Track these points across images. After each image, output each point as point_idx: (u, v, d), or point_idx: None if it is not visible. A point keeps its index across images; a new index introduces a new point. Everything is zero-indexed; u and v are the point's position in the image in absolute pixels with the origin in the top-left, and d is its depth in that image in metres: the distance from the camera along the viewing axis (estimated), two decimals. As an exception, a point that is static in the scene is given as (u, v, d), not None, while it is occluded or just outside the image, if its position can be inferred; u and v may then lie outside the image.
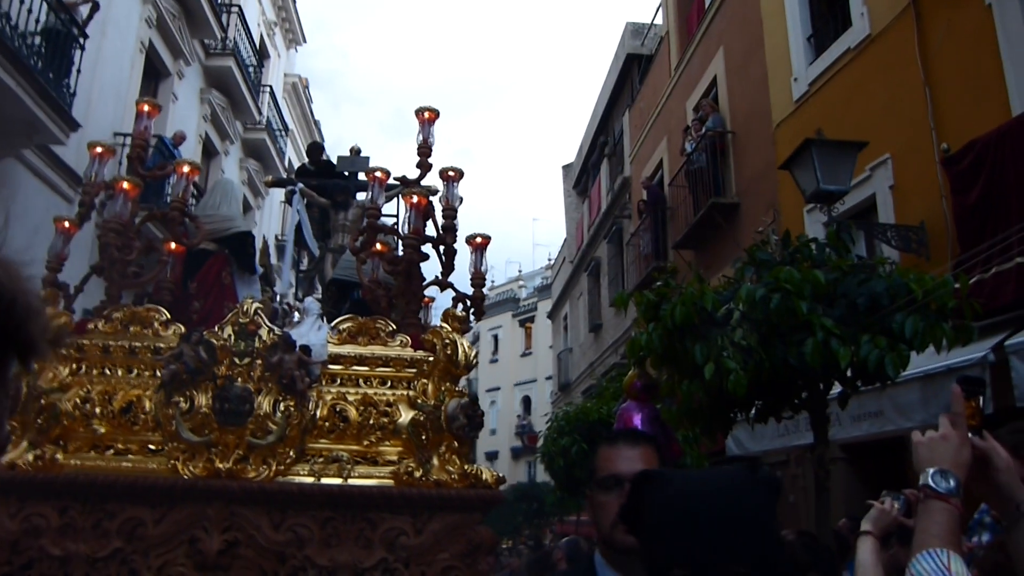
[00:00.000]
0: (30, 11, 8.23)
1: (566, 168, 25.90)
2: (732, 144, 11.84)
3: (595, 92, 21.50)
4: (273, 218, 19.15)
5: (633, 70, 18.32)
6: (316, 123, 24.09)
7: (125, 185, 3.63)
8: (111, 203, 3.69)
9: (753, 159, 11.03)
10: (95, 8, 9.69)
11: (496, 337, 39.99)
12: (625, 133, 18.46)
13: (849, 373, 4.59)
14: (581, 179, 23.67)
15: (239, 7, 15.66)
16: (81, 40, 9.36)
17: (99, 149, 3.84)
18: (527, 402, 37.98)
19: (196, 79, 14.23)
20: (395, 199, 5.67)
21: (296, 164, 19.59)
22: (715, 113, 12.19)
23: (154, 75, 12.68)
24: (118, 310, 3.67)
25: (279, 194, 18.09)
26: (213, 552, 3.23)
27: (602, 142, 20.81)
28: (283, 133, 19.04)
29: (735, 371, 4.22)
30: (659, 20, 16.66)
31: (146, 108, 4.03)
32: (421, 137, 3.86)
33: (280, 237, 16.89)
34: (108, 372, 3.62)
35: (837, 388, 4.90)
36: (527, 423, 36.04)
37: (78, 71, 9.31)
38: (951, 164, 6.71)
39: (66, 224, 3.84)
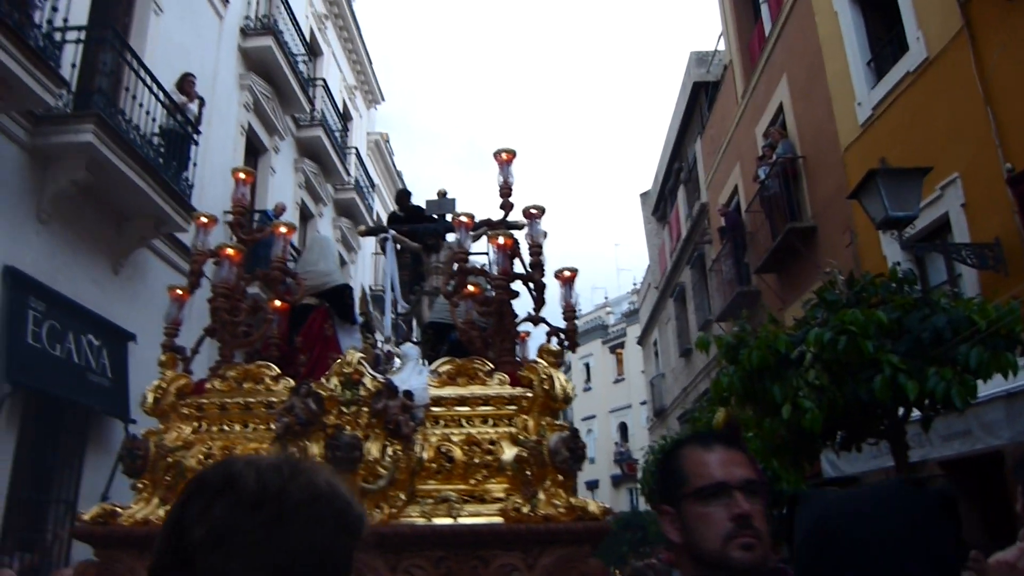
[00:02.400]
0: (148, 113, 8.93)
1: (644, 195, 25.85)
2: (804, 169, 11.73)
3: (666, 118, 21.52)
4: (366, 269, 19.77)
5: (701, 97, 18.26)
6: (399, 173, 24.77)
7: (229, 251, 3.79)
8: (219, 269, 3.85)
9: (825, 182, 10.92)
10: (202, 104, 10.34)
11: (588, 365, 39.54)
12: (699, 160, 18.37)
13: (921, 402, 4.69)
14: (659, 206, 23.55)
15: (323, 80, 16.45)
16: (194, 135, 10.03)
17: (203, 219, 4.02)
18: (623, 428, 37.47)
19: (290, 151, 14.98)
20: (482, 237, 5.74)
21: (383, 215, 20.21)
22: (784, 139, 12.12)
23: (254, 153, 13.41)
24: (232, 369, 3.82)
25: (370, 246, 18.68)
26: (333, 596, 3.30)
27: (677, 168, 20.71)
28: (370, 189, 19.67)
29: (811, 409, 4.48)
30: (722, 46, 16.58)
31: (242, 176, 4.21)
32: (501, 178, 3.91)
33: (373, 287, 17.42)
34: (226, 428, 3.76)
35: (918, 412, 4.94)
36: (625, 450, 35.56)
37: (194, 164, 9.99)
38: (1016, 183, 6.60)
39: (178, 292, 4.03)
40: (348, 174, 17.63)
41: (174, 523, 0.88)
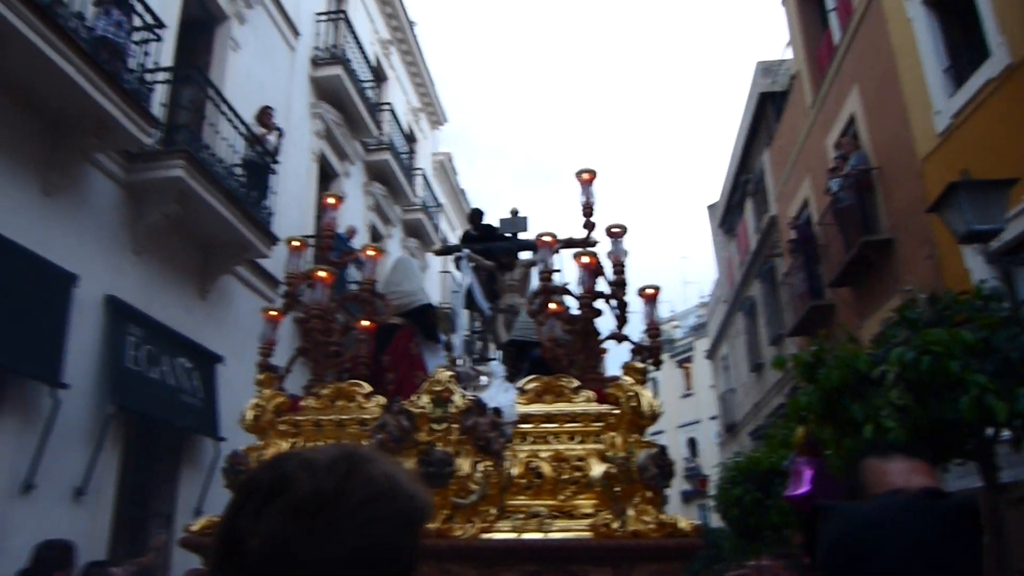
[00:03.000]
0: (230, 145, 9.33)
1: (711, 208, 25.50)
2: (878, 180, 11.39)
3: (732, 129, 21.27)
4: (434, 288, 20.09)
5: (768, 108, 17.95)
6: (462, 192, 25.02)
7: (322, 274, 3.91)
8: (311, 292, 3.98)
9: (902, 194, 10.56)
10: (281, 135, 10.73)
11: (655, 379, 39.12)
12: (767, 171, 18.02)
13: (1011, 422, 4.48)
14: (727, 218, 23.19)
15: (389, 104, 16.83)
16: (273, 165, 10.42)
17: (295, 243, 4.16)
18: (692, 444, 36.76)
19: (359, 175, 15.36)
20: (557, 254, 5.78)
21: (449, 234, 20.43)
22: (857, 151, 11.79)
23: (326, 178, 13.81)
24: (325, 387, 3.94)
25: (436, 265, 18.94)
26: (430, 609, 3.37)
27: (744, 180, 20.34)
28: (436, 209, 19.95)
29: (893, 429, 4.36)
30: (789, 55, 16.32)
31: (331, 200, 4.35)
32: (584, 198, 3.96)
33: (442, 304, 17.64)
34: (321, 444, 3.88)
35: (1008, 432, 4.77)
36: (695, 466, 34.87)
37: (273, 192, 10.37)
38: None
39: (272, 313, 4.18)
40: (415, 195, 17.93)
41: (227, 531, 0.84)
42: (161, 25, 8.36)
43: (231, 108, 9.42)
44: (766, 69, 17.80)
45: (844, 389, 4.69)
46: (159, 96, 8.53)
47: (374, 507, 0.83)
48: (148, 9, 7.99)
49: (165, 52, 8.92)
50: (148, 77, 8.08)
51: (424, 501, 0.89)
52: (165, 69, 8.79)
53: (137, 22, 7.94)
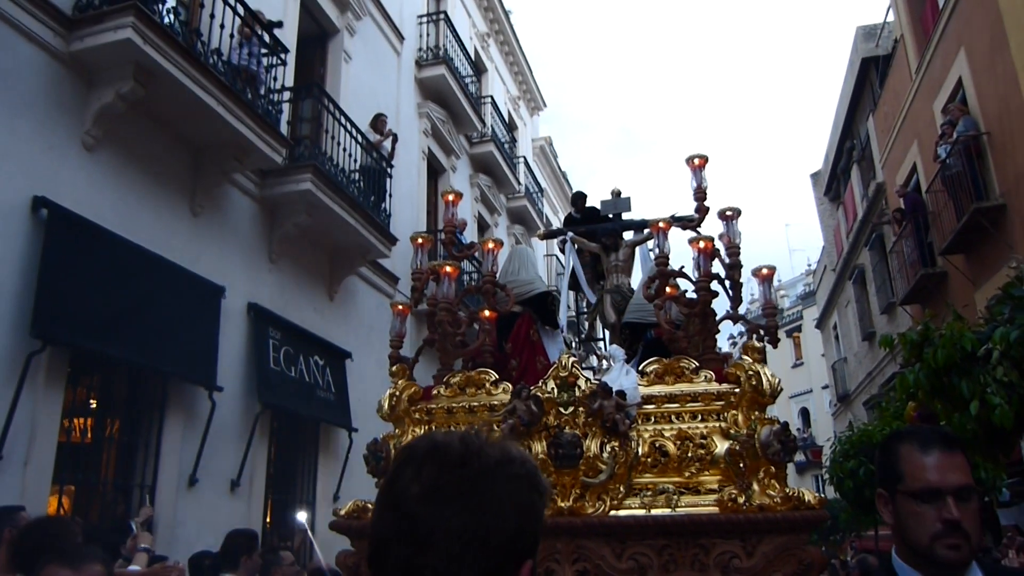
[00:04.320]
0: (348, 154, 9.71)
1: (815, 176, 24.45)
2: (989, 145, 10.72)
3: (834, 94, 20.29)
4: (540, 272, 20.05)
5: (871, 73, 17.09)
6: (563, 174, 24.80)
7: (448, 269, 4.04)
8: (438, 286, 4.11)
9: (1015, 159, 9.94)
10: (395, 140, 11.07)
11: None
12: (872, 138, 17.16)
13: None
14: (832, 185, 22.20)
15: (491, 96, 16.97)
16: (389, 169, 10.76)
17: (420, 239, 4.31)
18: (805, 414, 35.39)
19: (465, 168, 15.57)
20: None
21: (552, 218, 20.42)
22: (965, 116, 11.09)
23: (434, 175, 14.12)
24: (454, 376, 4.06)
25: (542, 250, 19.01)
26: (567, 582, 3.44)
27: (848, 147, 19.44)
28: (539, 194, 19.97)
29: (1000, 405, 4.37)
30: (891, 18, 15.52)
31: (451, 197, 4.47)
32: (695, 183, 3.94)
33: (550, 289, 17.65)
34: (453, 430, 4.00)
35: None
36: (808, 436, 33.55)
37: (389, 195, 10.71)
38: None
39: (400, 307, 4.33)
40: (518, 183, 18.00)
41: (390, 487, 0.97)
42: (286, 50, 8.78)
43: (348, 119, 9.78)
44: (868, 33, 16.94)
45: (951, 367, 4.74)
46: (285, 114, 8.97)
47: (510, 466, 0.97)
48: (272, 36, 8.41)
49: (286, 71, 9.36)
50: (275, 98, 8.50)
51: (547, 481, 1.05)
52: (289, 89, 9.21)
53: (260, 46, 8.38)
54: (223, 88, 7.38)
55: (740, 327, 4.05)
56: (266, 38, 8.38)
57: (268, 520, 8.53)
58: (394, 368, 4.11)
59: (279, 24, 8.81)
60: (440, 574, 0.90)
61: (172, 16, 7.15)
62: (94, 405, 7.09)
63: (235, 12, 7.75)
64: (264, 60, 8.34)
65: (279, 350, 8.79)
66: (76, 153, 6.78)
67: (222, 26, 7.58)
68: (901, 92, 14.56)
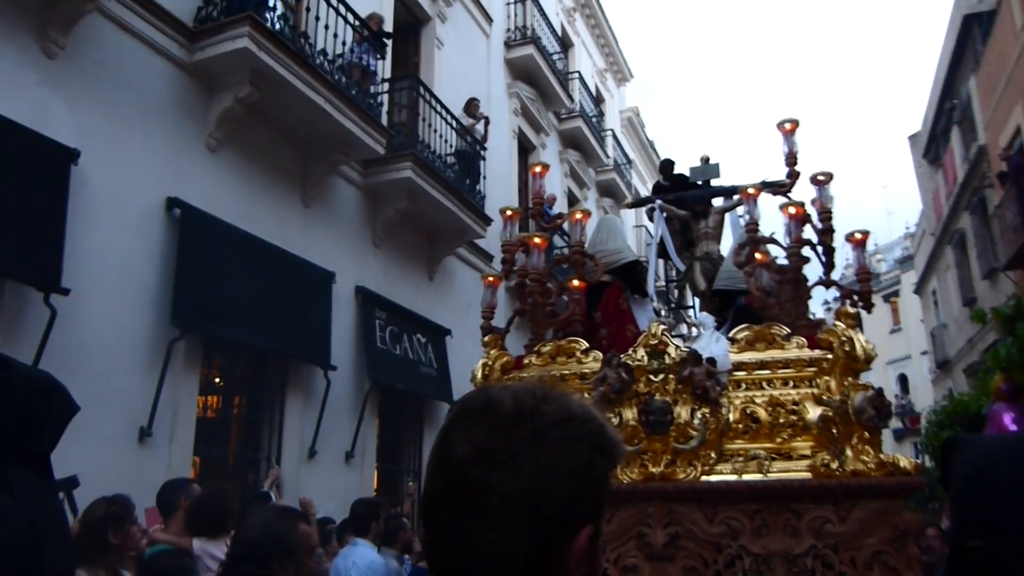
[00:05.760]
0: (443, 139, 9.83)
1: (913, 138, 23.07)
2: None
3: (934, 53, 18.99)
4: (630, 242, 19.67)
5: (974, 30, 15.92)
6: (651, 144, 24.10)
7: (537, 240, 4.01)
8: (528, 258, 4.08)
9: None
10: (488, 123, 11.10)
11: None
12: (973, 98, 16.02)
13: None
14: (931, 147, 20.86)
15: (578, 72, 16.71)
16: (482, 152, 10.82)
17: (509, 212, 4.29)
18: (903, 381, 33.51)
19: (554, 144, 15.43)
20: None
21: (641, 189, 20.03)
22: None
23: (524, 153, 14.07)
24: (545, 345, 4.03)
25: (630, 220, 18.68)
26: (659, 544, 3.38)
27: (949, 108, 18.21)
28: (627, 166, 19.60)
29: None
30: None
31: (538, 169, 4.43)
32: (786, 148, 3.77)
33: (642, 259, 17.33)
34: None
35: None
36: (907, 403, 31.66)
37: (483, 177, 10.77)
38: None
39: (491, 279, 4.32)
40: (607, 156, 17.69)
41: (441, 443, 0.90)
42: (385, 45, 8.94)
43: (442, 105, 9.86)
44: (971, -12, 15.83)
45: None
46: (384, 105, 9.13)
47: (569, 427, 0.88)
48: (370, 30, 8.57)
49: (385, 64, 9.52)
50: (375, 90, 8.68)
51: (615, 435, 0.93)
52: (387, 80, 9.38)
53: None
54: (329, 87, 7.61)
55: (834, 293, 3.86)
56: (364, 32, 8.53)
57: (376, 488, 8.80)
58: (486, 339, 4.11)
59: (390, 35, 9.03)
60: (486, 540, 0.83)
61: (282, 22, 7.37)
62: (224, 386, 7.46)
63: (339, 13, 7.93)
64: (370, 56, 8.54)
65: (384, 330, 9.01)
66: (201, 155, 7.12)
67: (326, 27, 7.77)
68: (1006, 51, 13.54)
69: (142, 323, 6.26)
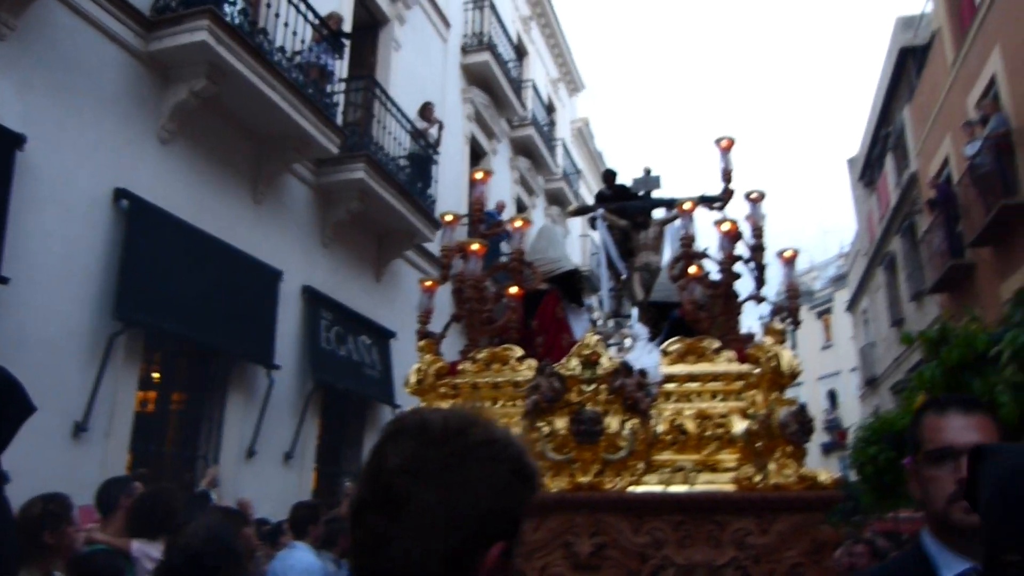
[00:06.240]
0: (396, 141, 9.72)
1: (851, 161, 23.79)
2: (1019, 142, 10.36)
3: (872, 80, 19.69)
4: (574, 251, 19.77)
5: (908, 63, 16.60)
6: (599, 155, 24.32)
7: (475, 247, 3.96)
8: (466, 263, 4.03)
9: None
10: (442, 128, 11.02)
11: (793, 332, 36.79)
12: (907, 127, 16.65)
13: None
14: (866, 171, 21.59)
15: (532, 80, 16.72)
16: (435, 156, 10.73)
17: (449, 218, 4.24)
18: (832, 396, 34.19)
19: (506, 151, 15.41)
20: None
21: (588, 200, 20.10)
22: (997, 113, 10.72)
23: (476, 159, 14.00)
24: (480, 352, 3.98)
25: (576, 229, 18.75)
26: (585, 554, 3.35)
27: (884, 135, 18.91)
28: (576, 176, 19.65)
29: (1006, 404, 4.48)
30: (930, 8, 14.94)
31: (479, 175, 4.39)
32: (723, 164, 3.79)
33: (580, 268, 17.36)
34: (478, 405, 3.93)
35: None
36: (835, 418, 32.41)
37: (435, 181, 10.68)
38: None
39: (428, 284, 4.25)
40: (557, 165, 17.74)
41: (375, 455, 0.97)
42: (343, 45, 8.82)
43: (397, 107, 9.77)
44: (907, 23, 16.46)
45: (965, 366, 4.91)
46: (340, 104, 9.00)
47: (491, 448, 0.96)
48: (329, 30, 8.44)
49: (343, 64, 9.39)
50: (330, 89, 8.55)
51: (534, 463, 1.02)
52: (343, 80, 9.25)
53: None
54: (286, 84, 7.48)
55: (767, 308, 3.89)
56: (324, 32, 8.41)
57: (314, 489, 8.64)
58: (422, 343, 4.05)
59: (348, 36, 8.92)
60: (408, 545, 0.90)
61: (241, 17, 7.23)
62: (163, 381, 7.26)
63: (299, 11, 7.81)
64: (328, 56, 8.42)
65: (330, 330, 8.88)
66: (152, 146, 6.93)
67: (286, 24, 7.64)
68: (937, 84, 14.08)
69: (84, 314, 6.06)
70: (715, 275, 3.83)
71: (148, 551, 3.63)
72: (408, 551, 0.89)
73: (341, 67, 9.14)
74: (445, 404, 3.87)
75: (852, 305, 25.55)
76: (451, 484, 0.92)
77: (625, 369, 3.45)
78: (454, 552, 0.89)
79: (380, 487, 0.93)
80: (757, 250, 3.68)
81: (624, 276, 6.02)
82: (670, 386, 3.57)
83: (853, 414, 26.47)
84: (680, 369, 3.59)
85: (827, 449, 32.42)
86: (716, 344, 3.59)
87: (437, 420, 0.98)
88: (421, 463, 0.92)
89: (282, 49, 7.63)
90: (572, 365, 3.61)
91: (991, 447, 1.26)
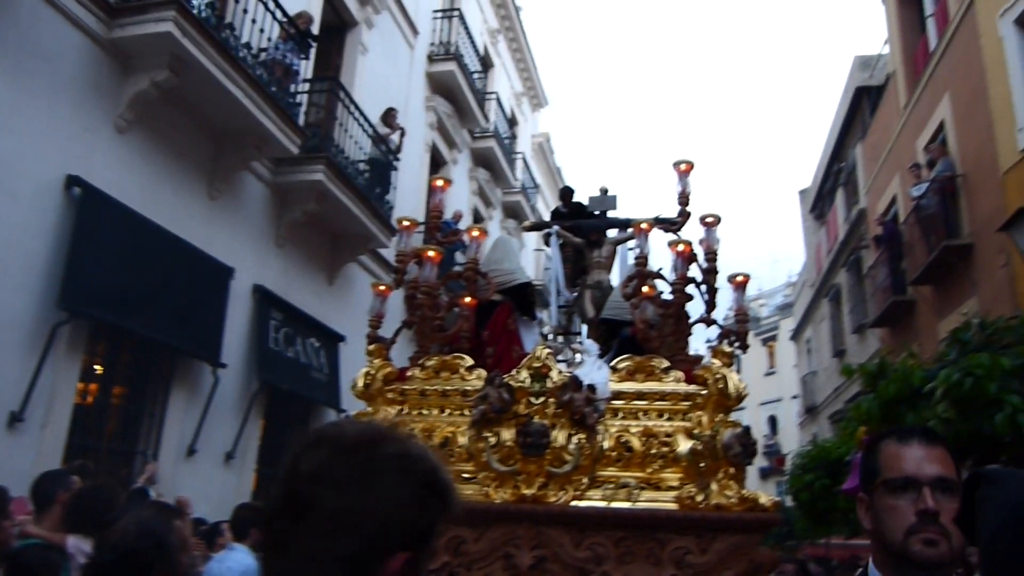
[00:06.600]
0: (357, 144, 9.60)
1: (802, 193, 24.36)
2: (963, 187, 10.81)
3: (826, 117, 20.28)
4: (528, 265, 19.78)
5: (863, 102, 17.03)
6: (558, 171, 24.44)
7: (431, 253, 3.91)
8: (420, 270, 3.98)
9: (984, 203, 10.06)
10: (403, 134, 10.92)
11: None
12: (858, 164, 17.11)
13: None
14: (817, 204, 22.14)
15: (496, 93, 16.72)
16: (395, 163, 10.62)
17: (405, 223, 4.19)
18: (773, 422, 34.86)
19: (466, 162, 15.37)
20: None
21: (545, 214, 20.17)
22: (944, 157, 11.16)
23: (436, 167, 13.94)
24: (430, 359, 3.92)
25: (531, 244, 18.80)
26: (525, 567, 3.30)
27: (836, 170, 19.41)
28: (534, 190, 19.69)
29: None
30: (886, 51, 15.44)
31: (439, 183, 4.34)
32: (680, 187, 3.82)
33: (534, 281, 17.35)
34: (426, 412, 3.85)
35: None
36: (774, 443, 33.06)
37: (394, 187, 10.56)
38: None
39: (381, 288, 4.19)
40: (516, 178, 17.74)
41: (290, 462, 0.98)
42: (310, 45, 8.70)
43: (360, 110, 9.67)
44: (864, 63, 16.89)
45: (901, 400, 5.07)
46: (303, 105, 8.86)
47: (402, 461, 0.97)
48: (297, 29, 8.32)
49: (307, 64, 9.26)
50: (294, 89, 8.42)
51: (450, 480, 1.03)
52: (308, 80, 9.12)
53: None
54: (250, 81, 7.35)
55: (716, 331, 3.92)
56: (291, 30, 8.29)
57: (254, 490, 8.42)
58: (371, 347, 3.98)
59: (315, 36, 8.80)
60: (309, 548, 0.91)
61: (208, 10, 7.08)
62: (105, 374, 7.03)
63: (267, 8, 7.69)
64: (294, 56, 8.29)
65: (279, 331, 8.70)
66: (109, 135, 6.73)
67: (253, 21, 7.51)
68: (889, 125, 14.53)
69: (26, 302, 5.84)
70: (667, 295, 3.84)
71: (84, 547, 3.49)
72: (311, 554, 0.90)
73: (306, 67, 9.01)
74: (392, 410, 3.80)
75: (796, 334, 26.09)
76: (356, 493, 0.92)
77: (574, 383, 3.43)
78: (356, 558, 0.90)
79: (287, 492, 0.95)
80: (710, 273, 3.70)
81: (568, 301, 6.01)
82: (618, 403, 3.55)
83: (792, 440, 26.96)
84: (629, 387, 3.58)
85: (765, 473, 32.93)
86: (665, 364, 3.59)
87: (352, 431, 0.99)
88: (329, 471, 0.93)
89: (248, 45, 7.49)
90: (522, 377, 3.57)
91: (991, 472, 1.24)
